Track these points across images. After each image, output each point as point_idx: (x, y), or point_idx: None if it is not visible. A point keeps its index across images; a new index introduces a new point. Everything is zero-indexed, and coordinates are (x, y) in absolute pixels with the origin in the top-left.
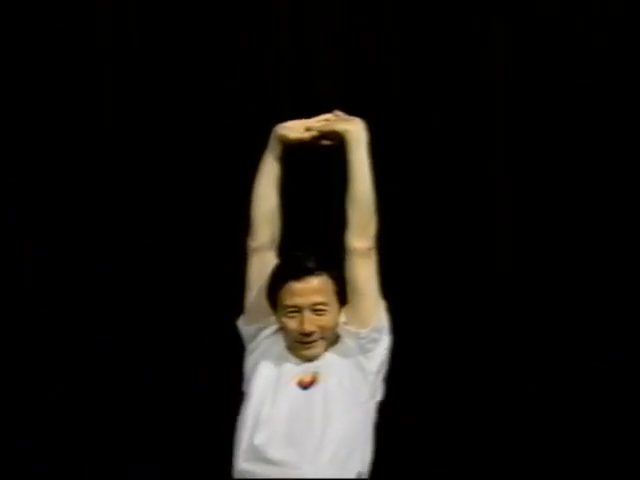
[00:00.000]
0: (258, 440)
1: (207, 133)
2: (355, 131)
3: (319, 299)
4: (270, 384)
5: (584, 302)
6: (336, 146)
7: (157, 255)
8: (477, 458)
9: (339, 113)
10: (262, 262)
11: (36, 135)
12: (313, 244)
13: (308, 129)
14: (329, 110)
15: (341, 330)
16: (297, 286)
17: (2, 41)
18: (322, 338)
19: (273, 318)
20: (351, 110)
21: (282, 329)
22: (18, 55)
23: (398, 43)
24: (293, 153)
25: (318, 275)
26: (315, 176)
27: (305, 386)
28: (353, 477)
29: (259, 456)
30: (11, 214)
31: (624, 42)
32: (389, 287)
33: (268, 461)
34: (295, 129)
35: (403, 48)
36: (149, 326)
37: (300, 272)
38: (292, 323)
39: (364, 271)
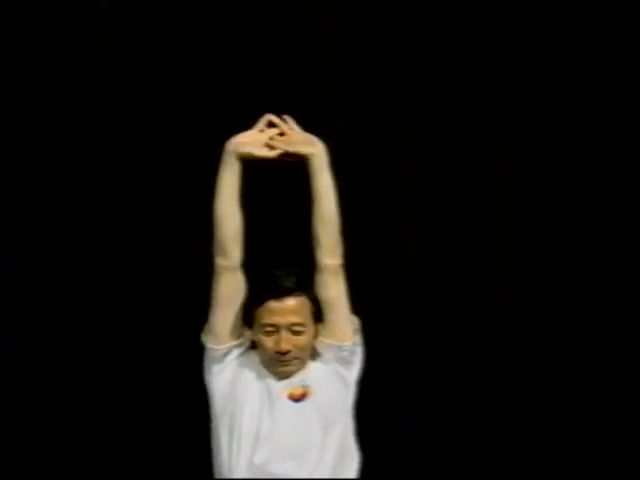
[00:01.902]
0: (259, 459)
1: (207, 133)
2: (320, 153)
3: (297, 320)
4: (263, 400)
5: (584, 302)
6: (294, 163)
7: (157, 255)
8: (476, 458)
9: (288, 119)
10: (234, 280)
11: (36, 135)
12: (281, 261)
13: (271, 147)
14: (329, 110)
15: (319, 344)
16: (276, 305)
17: (2, 41)
18: (296, 358)
19: (245, 334)
20: (351, 110)
21: (255, 346)
22: (18, 55)
23: (398, 43)
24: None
25: (297, 295)
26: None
27: (296, 399)
28: None
29: (261, 474)
30: (11, 214)
31: (624, 42)
32: (390, 287)
33: (270, 477)
34: (255, 144)
35: (403, 48)
36: (149, 326)
37: (280, 292)
38: (269, 341)
39: (336, 288)
